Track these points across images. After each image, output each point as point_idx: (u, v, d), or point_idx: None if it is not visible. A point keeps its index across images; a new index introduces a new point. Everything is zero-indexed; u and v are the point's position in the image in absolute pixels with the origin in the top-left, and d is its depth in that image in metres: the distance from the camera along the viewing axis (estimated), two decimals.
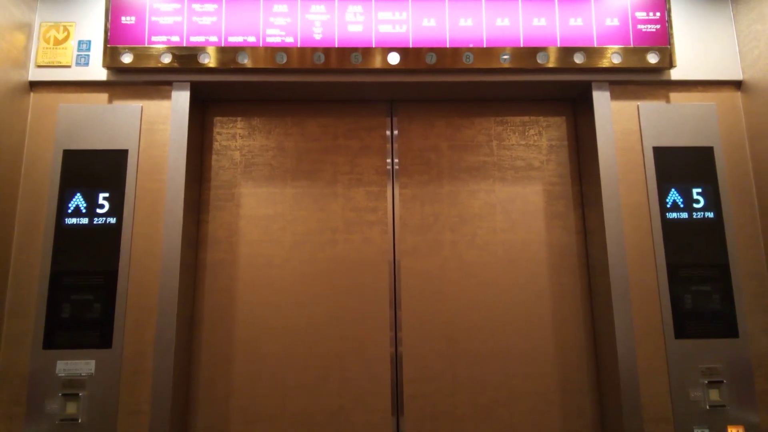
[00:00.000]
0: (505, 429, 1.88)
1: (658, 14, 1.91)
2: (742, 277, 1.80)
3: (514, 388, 1.91)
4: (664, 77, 1.92)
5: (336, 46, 1.87)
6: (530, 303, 1.97)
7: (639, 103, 1.92)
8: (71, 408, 1.65)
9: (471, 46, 1.88)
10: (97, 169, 1.80)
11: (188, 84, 1.87)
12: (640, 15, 1.91)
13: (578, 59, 1.88)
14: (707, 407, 1.71)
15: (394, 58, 1.87)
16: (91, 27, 1.90)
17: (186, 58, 1.85)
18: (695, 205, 1.83)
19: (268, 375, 1.89)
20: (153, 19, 1.86)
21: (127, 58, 1.83)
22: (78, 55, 1.87)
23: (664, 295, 1.78)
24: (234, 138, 2.06)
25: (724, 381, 1.72)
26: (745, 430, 1.70)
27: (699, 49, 1.95)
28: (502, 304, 1.96)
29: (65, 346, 1.69)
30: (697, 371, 1.73)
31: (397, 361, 1.92)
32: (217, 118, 2.07)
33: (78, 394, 1.66)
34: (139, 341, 1.72)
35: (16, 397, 1.67)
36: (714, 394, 1.72)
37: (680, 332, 1.75)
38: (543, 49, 1.88)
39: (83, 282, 1.73)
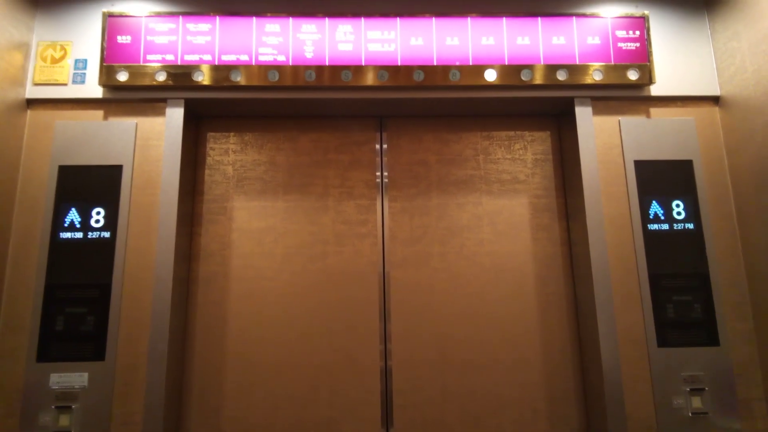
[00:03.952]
0: None
1: (637, 33, 1.98)
2: (722, 286, 1.85)
3: (502, 396, 1.94)
4: (644, 93, 1.98)
5: (327, 64, 1.92)
6: (517, 313, 2.00)
7: (620, 118, 1.97)
8: (64, 420, 1.67)
9: (457, 63, 1.94)
10: (92, 184, 1.83)
11: (182, 101, 1.91)
12: (621, 33, 1.97)
13: (561, 76, 1.94)
14: (690, 414, 1.74)
15: (383, 76, 1.92)
16: (88, 46, 1.94)
17: (180, 76, 1.89)
18: (676, 217, 1.89)
19: (259, 386, 1.91)
20: (148, 38, 1.91)
21: (122, 77, 1.88)
22: (75, 74, 1.92)
23: (646, 304, 1.82)
24: (227, 153, 2.10)
25: (706, 388, 1.76)
26: None
27: (678, 66, 2.01)
28: (489, 315, 2.00)
29: (59, 358, 1.71)
30: (679, 379, 1.77)
31: (386, 372, 1.94)
32: (210, 134, 2.11)
33: (71, 407, 1.67)
34: (132, 353, 1.74)
35: (9, 410, 1.68)
36: (696, 402, 1.75)
37: (662, 341, 1.80)
38: (527, 66, 1.94)
39: (77, 295, 1.75)
